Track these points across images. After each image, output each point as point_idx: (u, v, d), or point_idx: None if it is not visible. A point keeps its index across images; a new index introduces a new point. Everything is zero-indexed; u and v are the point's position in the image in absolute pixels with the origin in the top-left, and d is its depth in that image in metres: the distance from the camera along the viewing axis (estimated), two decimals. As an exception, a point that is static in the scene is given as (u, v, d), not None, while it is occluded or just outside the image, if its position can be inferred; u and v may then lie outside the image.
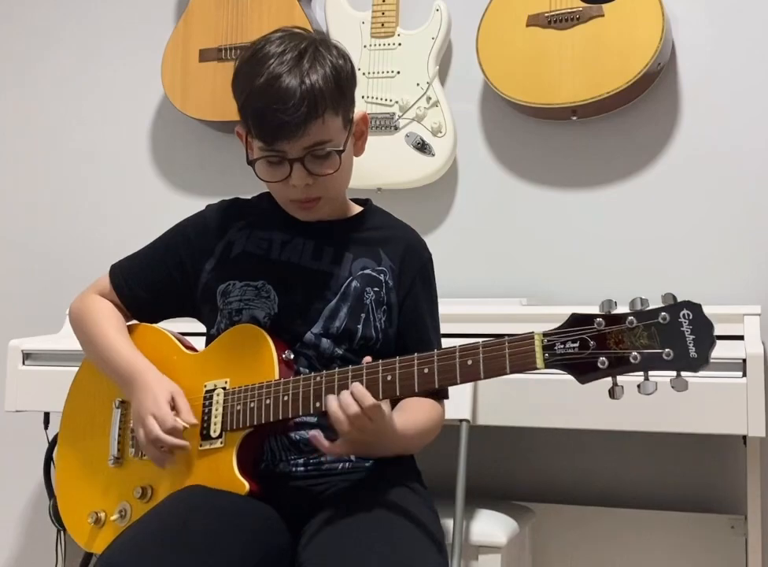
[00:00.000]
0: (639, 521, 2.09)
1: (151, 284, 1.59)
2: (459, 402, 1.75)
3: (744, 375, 1.69)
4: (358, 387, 1.31)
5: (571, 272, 2.26)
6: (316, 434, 1.35)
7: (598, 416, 1.75)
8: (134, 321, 1.63)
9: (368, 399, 1.30)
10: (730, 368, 1.70)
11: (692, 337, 1.15)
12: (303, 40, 1.44)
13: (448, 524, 1.66)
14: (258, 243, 1.54)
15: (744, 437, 1.76)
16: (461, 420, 1.78)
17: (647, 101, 2.22)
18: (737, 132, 2.18)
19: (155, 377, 1.47)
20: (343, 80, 1.44)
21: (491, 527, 1.81)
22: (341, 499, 1.41)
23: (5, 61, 2.83)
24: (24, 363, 2.15)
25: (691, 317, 1.15)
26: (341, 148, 1.45)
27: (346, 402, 1.30)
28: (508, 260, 2.31)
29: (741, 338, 1.77)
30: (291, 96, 1.37)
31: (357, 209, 1.61)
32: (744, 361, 1.70)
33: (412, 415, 1.45)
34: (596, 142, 2.27)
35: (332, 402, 1.32)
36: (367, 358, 1.36)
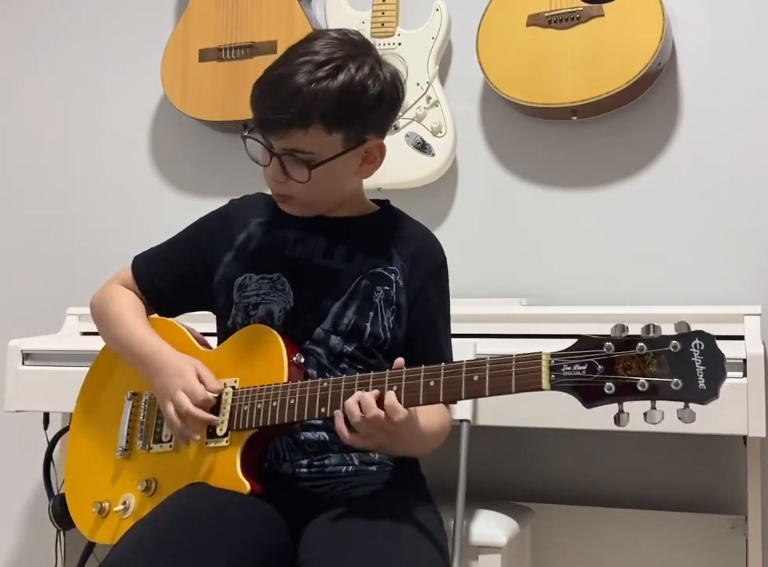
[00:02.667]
0: (639, 521, 2.09)
1: (173, 277, 1.60)
2: (459, 402, 1.74)
3: (744, 375, 1.69)
4: (391, 399, 1.28)
5: (571, 272, 2.26)
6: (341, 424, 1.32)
7: (598, 416, 1.73)
8: (153, 315, 1.63)
9: (398, 416, 1.28)
10: (730, 368, 1.66)
11: (702, 368, 1.13)
12: (349, 52, 1.41)
13: (449, 524, 1.66)
14: (274, 239, 1.54)
15: (744, 437, 1.76)
16: (461, 420, 1.78)
17: (647, 101, 2.22)
18: (737, 132, 2.17)
19: (176, 354, 1.48)
20: (357, 101, 1.39)
21: (491, 527, 1.81)
22: (342, 501, 1.41)
23: (4, 61, 2.83)
24: (23, 363, 2.14)
25: (702, 348, 1.14)
26: (316, 163, 1.42)
27: (369, 411, 1.28)
28: (508, 260, 2.31)
29: (741, 338, 1.77)
30: (284, 98, 1.37)
31: (374, 207, 1.61)
32: (744, 361, 1.70)
33: (430, 416, 1.43)
34: (596, 142, 2.27)
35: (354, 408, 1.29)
36: (399, 360, 1.33)
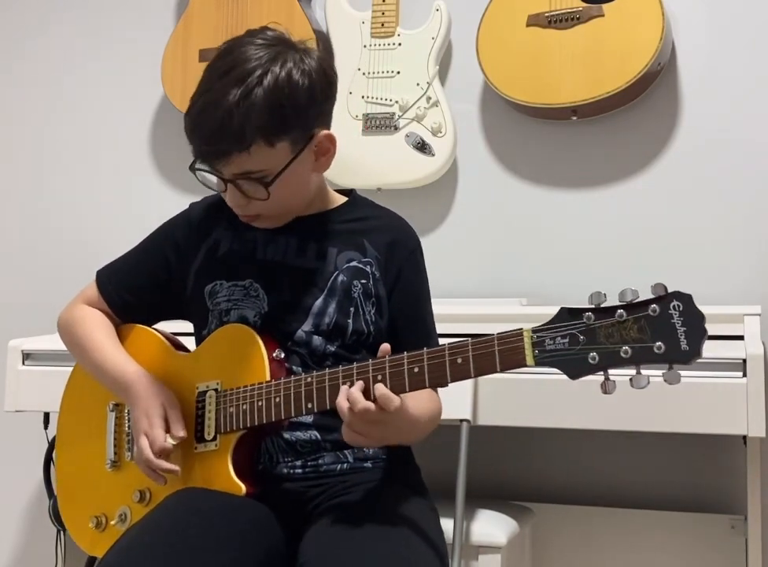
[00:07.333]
0: (639, 521, 2.09)
1: (138, 288, 1.57)
2: (459, 402, 1.75)
3: (744, 375, 1.69)
4: (381, 390, 1.25)
5: (571, 272, 2.26)
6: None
7: (598, 416, 1.75)
8: (125, 324, 1.60)
9: (393, 404, 1.25)
10: (730, 368, 1.70)
11: (683, 329, 1.12)
12: (268, 54, 1.37)
13: (448, 524, 1.66)
14: (243, 243, 1.52)
15: (744, 437, 1.76)
16: (461, 420, 1.78)
17: (647, 101, 2.22)
18: (737, 132, 2.17)
19: (147, 387, 1.45)
20: (291, 103, 1.35)
21: (491, 527, 1.81)
22: (340, 500, 1.40)
23: (4, 60, 2.83)
24: (23, 363, 2.14)
25: (681, 309, 1.13)
26: (271, 178, 1.38)
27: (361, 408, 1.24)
28: (508, 260, 2.31)
29: (741, 338, 1.77)
30: (216, 126, 1.33)
31: (341, 200, 1.57)
32: (744, 361, 1.70)
33: (421, 402, 1.40)
34: (596, 142, 2.27)
35: (343, 404, 1.26)
36: (385, 346, 1.31)
